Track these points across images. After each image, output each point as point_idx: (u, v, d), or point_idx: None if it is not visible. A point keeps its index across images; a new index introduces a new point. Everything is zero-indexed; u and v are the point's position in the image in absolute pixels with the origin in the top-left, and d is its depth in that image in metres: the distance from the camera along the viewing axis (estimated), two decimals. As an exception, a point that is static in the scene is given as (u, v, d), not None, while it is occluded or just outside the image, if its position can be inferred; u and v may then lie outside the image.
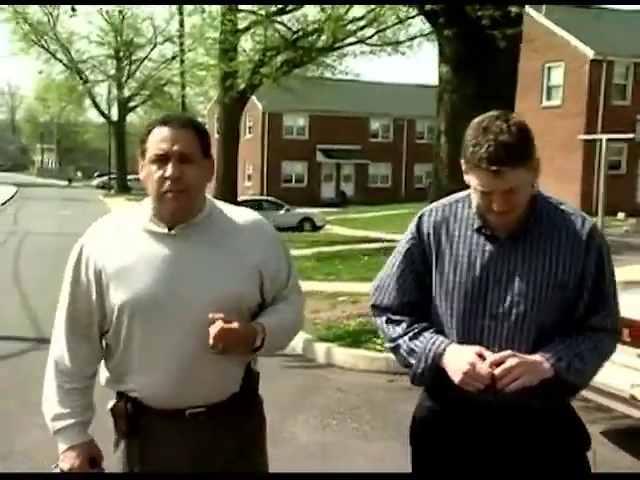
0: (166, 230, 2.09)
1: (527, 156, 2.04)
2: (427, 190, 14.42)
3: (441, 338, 2.18)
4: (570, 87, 26.35)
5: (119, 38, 47.74)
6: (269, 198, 27.72)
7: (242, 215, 2.21)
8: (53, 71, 49.45)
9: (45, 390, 2.18)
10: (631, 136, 18.11)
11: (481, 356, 2.06)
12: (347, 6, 14.17)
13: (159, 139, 2.05)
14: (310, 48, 18.65)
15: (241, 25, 18.20)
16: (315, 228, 24.64)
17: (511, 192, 2.03)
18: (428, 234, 2.23)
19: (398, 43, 18.36)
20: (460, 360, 2.08)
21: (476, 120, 2.07)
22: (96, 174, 67.71)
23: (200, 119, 47.71)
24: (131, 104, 52.58)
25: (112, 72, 50.05)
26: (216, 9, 17.91)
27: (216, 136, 22.59)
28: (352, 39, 18.56)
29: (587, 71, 26.26)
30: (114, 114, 52.29)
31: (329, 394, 6.10)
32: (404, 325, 2.24)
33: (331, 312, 8.89)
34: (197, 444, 2.12)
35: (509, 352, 2.06)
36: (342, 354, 7.08)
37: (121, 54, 48.97)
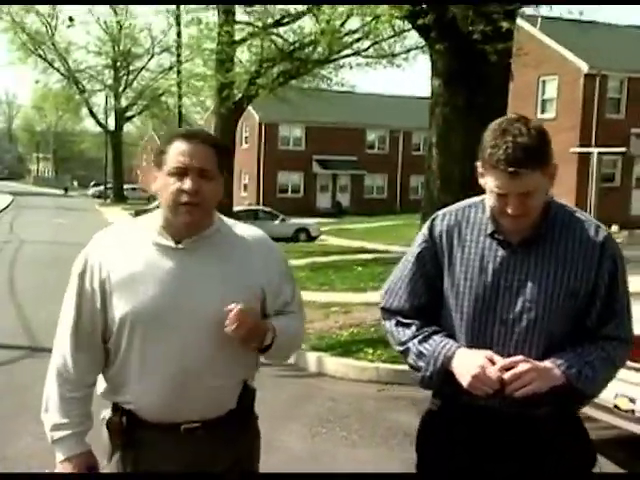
0: (173, 243, 2.10)
1: (545, 160, 2.02)
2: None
3: (451, 342, 2.15)
4: (564, 100, 26.52)
5: (117, 48, 47.87)
6: (265, 208, 27.76)
7: (248, 232, 2.22)
8: (50, 80, 49.67)
9: (45, 397, 2.18)
10: (623, 150, 18.26)
11: (491, 360, 2.04)
12: (343, 19, 14.27)
13: (180, 152, 2.05)
14: (306, 60, 18.75)
15: (238, 36, 18.30)
16: (310, 238, 24.66)
17: (527, 195, 2.01)
18: (440, 238, 2.21)
19: (393, 55, 18.44)
20: (470, 364, 2.05)
21: (495, 122, 2.06)
22: (92, 183, 67.68)
23: (197, 129, 47.84)
24: (128, 114, 52.68)
25: (109, 82, 50.15)
26: (213, 20, 18.03)
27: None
28: (348, 51, 18.67)
29: (581, 85, 26.45)
30: (111, 124, 52.38)
31: (320, 403, 6.16)
32: (414, 328, 2.22)
33: (324, 322, 8.95)
34: (192, 458, 2.12)
35: (520, 357, 2.03)
36: (333, 363, 7.14)
37: (118, 64, 49.08)
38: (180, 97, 22.67)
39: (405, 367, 7.58)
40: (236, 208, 22.70)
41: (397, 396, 6.39)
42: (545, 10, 9.77)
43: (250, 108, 29.21)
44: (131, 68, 49.78)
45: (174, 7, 21.57)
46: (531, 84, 26.46)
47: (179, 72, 21.02)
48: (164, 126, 50.97)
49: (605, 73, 26.65)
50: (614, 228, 24.30)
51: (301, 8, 17.01)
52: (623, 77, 27.20)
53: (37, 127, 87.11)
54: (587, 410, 4.63)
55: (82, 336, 2.13)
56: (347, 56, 19.05)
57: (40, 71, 46.64)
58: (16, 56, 42.62)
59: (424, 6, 7.99)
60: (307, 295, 10.63)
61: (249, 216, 22.98)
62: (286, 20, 17.87)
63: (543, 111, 27.87)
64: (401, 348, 2.25)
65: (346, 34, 17.18)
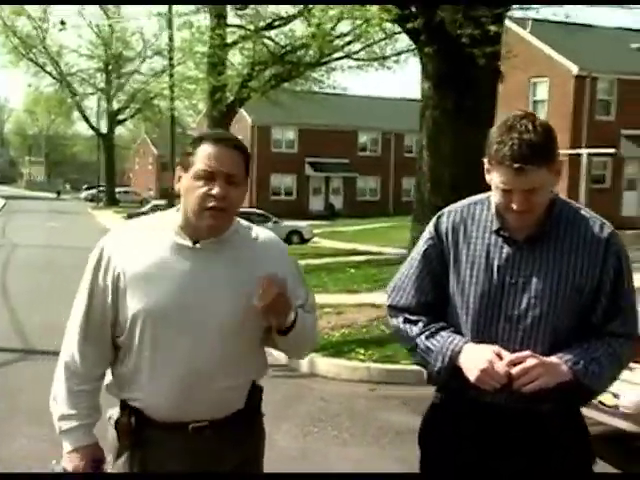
0: (191, 243, 2.09)
1: (551, 157, 2.03)
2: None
3: (458, 337, 2.16)
4: (555, 102, 26.66)
5: (108, 51, 47.77)
6: (257, 211, 27.78)
7: (262, 234, 2.23)
8: (42, 84, 49.55)
9: (54, 390, 2.17)
10: (613, 151, 18.35)
11: (499, 355, 2.04)
12: (334, 22, 14.35)
13: (208, 156, 2.04)
14: (298, 63, 18.83)
15: (229, 39, 18.36)
16: (303, 241, 24.72)
17: (532, 192, 2.01)
18: (446, 235, 2.22)
19: (384, 58, 18.56)
20: (478, 358, 2.06)
21: (502, 119, 2.08)
22: (85, 187, 67.58)
23: (190, 132, 47.88)
24: (120, 117, 52.56)
25: (101, 85, 50.07)
26: (205, 24, 18.09)
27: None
28: (339, 54, 18.76)
29: (571, 87, 26.59)
30: (103, 127, 52.31)
31: (311, 403, 6.22)
32: (421, 325, 2.22)
33: (316, 323, 8.99)
34: (199, 457, 2.12)
35: (528, 352, 2.04)
36: (325, 364, 7.20)
37: (110, 67, 48.98)
38: (172, 100, 22.68)
39: (396, 367, 7.63)
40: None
41: (388, 395, 6.46)
42: (533, 13, 9.88)
43: (242, 111, 29.33)
44: (123, 71, 49.69)
45: (166, 10, 21.58)
46: (522, 86, 26.59)
47: (171, 75, 21.04)
48: (157, 129, 50.94)
49: (595, 75, 26.80)
50: (605, 229, 24.43)
51: (292, 11, 17.10)
52: (613, 79, 27.36)
53: (29, 131, 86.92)
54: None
55: (91, 330, 2.13)
56: (339, 59, 19.15)
57: (32, 74, 46.59)
58: (7, 59, 42.53)
59: (413, 10, 8.08)
60: (299, 297, 10.67)
61: (242, 219, 22.93)
62: (277, 23, 17.95)
63: (535, 113, 27.96)
64: (409, 345, 2.26)
65: (337, 37, 17.26)
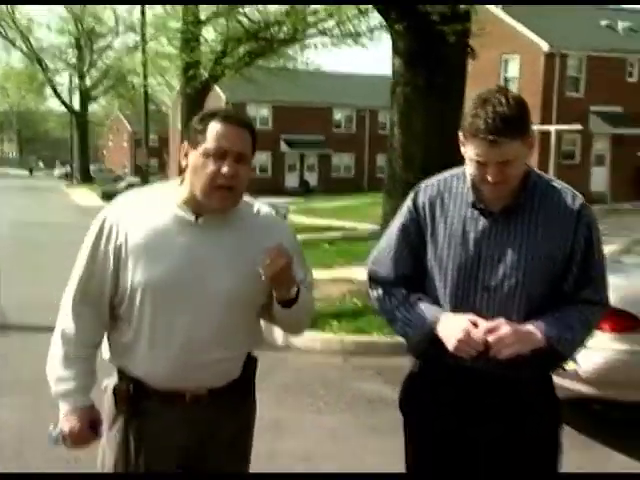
0: (193, 218, 2.12)
1: (524, 130, 2.08)
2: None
3: (436, 307, 2.22)
4: (526, 79, 26.86)
5: (80, 26, 47.15)
6: (232, 188, 27.75)
7: (263, 211, 2.26)
8: (12, 59, 48.84)
9: (50, 356, 2.20)
10: (580, 127, 18.58)
11: (475, 324, 2.10)
12: (308, -1, 14.42)
13: (220, 135, 2.06)
14: (272, 39, 18.79)
15: (203, 16, 18.28)
16: (278, 218, 24.80)
17: (506, 164, 2.06)
18: (423, 208, 2.26)
19: (358, 35, 18.57)
20: (454, 327, 2.11)
21: (477, 93, 2.12)
22: (58, 163, 66.75)
23: (164, 109, 47.47)
24: (93, 93, 52.03)
25: (73, 61, 49.47)
26: (178, -1, 17.99)
27: (179, 127, 22.52)
28: (313, 31, 18.74)
29: (542, 64, 26.81)
30: (76, 103, 51.71)
31: (286, 373, 6.37)
32: (400, 297, 2.27)
33: (290, 297, 9.14)
34: (197, 426, 2.16)
35: (502, 319, 2.10)
36: (300, 337, 7.35)
37: (82, 43, 48.39)
38: (145, 77, 22.51)
39: (369, 338, 7.81)
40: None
41: (362, 366, 6.64)
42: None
43: (217, 88, 29.14)
44: (95, 47, 49.12)
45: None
46: (494, 63, 26.76)
47: (144, 51, 20.88)
48: (130, 106, 50.45)
49: (565, 52, 27.03)
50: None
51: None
52: (582, 56, 27.61)
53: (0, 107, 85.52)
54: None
55: (90, 293, 2.15)
56: (312, 36, 19.14)
57: (1, 49, 45.89)
58: (-25, 35, 41.87)
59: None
60: (274, 272, 10.80)
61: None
62: (251, -1, 17.88)
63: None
64: (388, 316, 2.31)
65: (311, 14, 17.25)
